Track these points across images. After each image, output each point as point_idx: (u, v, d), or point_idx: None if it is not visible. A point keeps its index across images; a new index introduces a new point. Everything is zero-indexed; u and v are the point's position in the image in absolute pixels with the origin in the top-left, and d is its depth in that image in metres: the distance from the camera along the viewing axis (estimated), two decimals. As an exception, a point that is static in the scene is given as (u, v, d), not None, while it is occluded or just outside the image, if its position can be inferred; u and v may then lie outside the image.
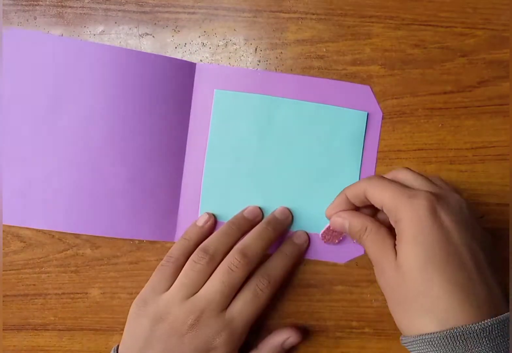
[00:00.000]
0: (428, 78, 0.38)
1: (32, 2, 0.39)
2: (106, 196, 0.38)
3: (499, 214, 0.39)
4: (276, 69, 0.39)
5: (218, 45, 0.39)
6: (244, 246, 0.35)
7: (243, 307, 0.33)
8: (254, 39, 0.39)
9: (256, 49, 0.39)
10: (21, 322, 0.40)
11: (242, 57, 0.39)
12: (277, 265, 0.35)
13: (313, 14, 0.39)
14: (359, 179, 0.38)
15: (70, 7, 0.39)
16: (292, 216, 0.38)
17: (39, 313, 0.40)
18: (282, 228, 0.38)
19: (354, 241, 0.38)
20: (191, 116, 0.39)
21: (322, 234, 0.38)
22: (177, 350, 0.32)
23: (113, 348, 0.35)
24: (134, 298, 0.33)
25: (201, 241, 0.36)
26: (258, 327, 0.39)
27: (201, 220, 0.38)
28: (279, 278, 0.35)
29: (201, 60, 0.39)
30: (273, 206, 0.38)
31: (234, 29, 0.39)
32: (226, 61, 0.39)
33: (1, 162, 0.38)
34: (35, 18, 0.39)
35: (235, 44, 0.39)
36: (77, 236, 0.40)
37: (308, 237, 0.38)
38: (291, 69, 0.39)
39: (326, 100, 0.38)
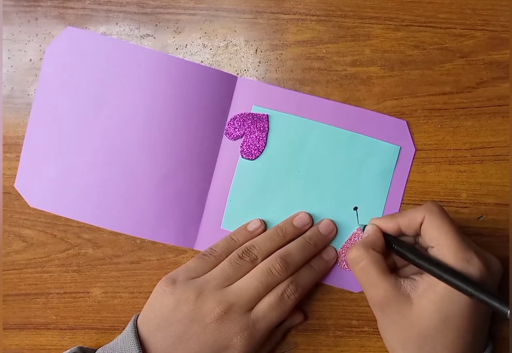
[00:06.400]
0: (428, 79, 0.39)
1: (34, 3, 0.40)
2: (135, 196, 0.39)
3: (498, 214, 0.39)
4: (276, 70, 0.39)
5: (219, 46, 0.39)
6: (288, 254, 0.35)
7: (268, 310, 0.34)
8: (254, 40, 0.39)
9: (256, 50, 0.39)
10: (23, 321, 0.40)
11: (242, 58, 0.39)
12: (305, 276, 0.36)
13: (313, 15, 0.39)
14: (383, 211, 0.38)
15: (71, 8, 0.40)
16: (337, 230, 0.38)
17: (41, 312, 0.40)
18: (324, 244, 0.38)
19: None
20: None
21: (339, 252, 0.38)
22: (195, 337, 0.33)
23: (133, 317, 0.35)
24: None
25: None
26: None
27: (252, 225, 0.38)
28: (305, 289, 0.36)
29: (202, 62, 0.39)
30: None
31: (235, 30, 0.39)
32: (227, 62, 0.39)
33: (42, 151, 0.39)
34: (36, 19, 0.40)
35: (235, 45, 0.39)
36: (79, 235, 0.40)
37: (337, 254, 0.38)
38: (291, 70, 0.39)
39: (360, 130, 0.38)
